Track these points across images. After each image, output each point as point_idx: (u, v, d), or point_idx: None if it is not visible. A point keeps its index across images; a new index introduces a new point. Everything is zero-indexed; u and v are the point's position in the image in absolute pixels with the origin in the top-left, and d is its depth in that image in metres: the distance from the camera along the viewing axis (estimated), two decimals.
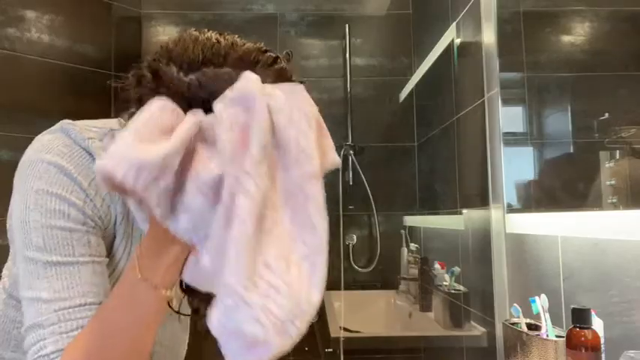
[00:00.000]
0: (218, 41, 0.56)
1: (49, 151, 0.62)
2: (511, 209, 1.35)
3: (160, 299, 0.57)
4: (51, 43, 2.05)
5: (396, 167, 2.49)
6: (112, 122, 0.67)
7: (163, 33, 2.51)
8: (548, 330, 1.00)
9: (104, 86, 2.21)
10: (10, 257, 0.70)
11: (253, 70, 0.53)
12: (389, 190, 2.47)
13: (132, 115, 0.52)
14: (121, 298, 0.57)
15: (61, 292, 0.59)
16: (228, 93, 0.50)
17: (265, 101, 0.49)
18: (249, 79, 0.50)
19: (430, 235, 2.21)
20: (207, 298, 0.50)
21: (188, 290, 0.59)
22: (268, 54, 0.57)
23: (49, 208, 0.59)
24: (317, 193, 0.50)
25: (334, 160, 0.54)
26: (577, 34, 1.15)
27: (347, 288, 2.34)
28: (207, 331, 0.48)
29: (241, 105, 0.49)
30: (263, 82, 0.51)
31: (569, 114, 1.21)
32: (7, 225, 0.67)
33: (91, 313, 0.59)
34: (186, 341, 0.84)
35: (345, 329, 1.76)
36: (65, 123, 0.65)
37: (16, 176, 0.63)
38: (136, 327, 0.57)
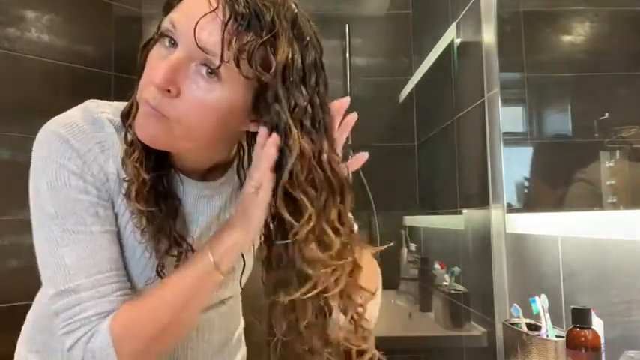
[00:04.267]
0: None
1: (53, 121, 0.64)
2: (511, 209, 1.35)
3: (214, 277, 0.62)
4: (51, 43, 2.05)
5: (396, 167, 2.49)
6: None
7: None
8: (548, 330, 1.00)
9: (104, 86, 2.21)
10: None
11: None
12: (389, 190, 2.46)
13: None
14: (186, 268, 0.63)
15: (86, 260, 0.61)
16: None
17: None
18: None
19: (430, 235, 2.21)
20: None
21: None
22: None
23: (53, 177, 0.61)
24: None
25: None
26: (577, 34, 1.15)
27: None
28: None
29: None
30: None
31: (569, 114, 1.21)
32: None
33: (119, 278, 0.64)
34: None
35: None
36: (89, 100, 0.68)
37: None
38: (190, 294, 0.63)
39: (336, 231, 0.59)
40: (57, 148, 0.62)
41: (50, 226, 0.61)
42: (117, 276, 0.64)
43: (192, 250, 0.67)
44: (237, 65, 0.54)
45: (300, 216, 0.58)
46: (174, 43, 0.57)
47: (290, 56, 0.56)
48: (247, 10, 0.54)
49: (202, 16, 0.54)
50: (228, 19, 0.54)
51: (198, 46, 0.54)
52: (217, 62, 0.54)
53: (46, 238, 0.62)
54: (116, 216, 0.66)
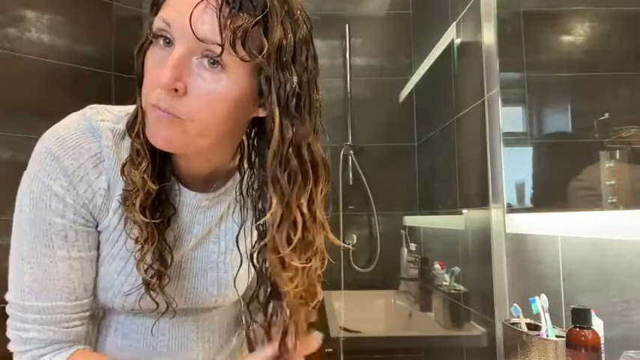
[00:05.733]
0: None
1: (51, 133, 0.64)
2: (511, 209, 1.35)
3: None
4: (51, 43, 2.05)
5: (396, 167, 2.49)
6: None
7: None
8: (548, 330, 1.00)
9: (104, 86, 2.21)
10: None
11: None
12: (389, 190, 2.46)
13: None
14: None
15: (41, 283, 0.63)
16: None
17: None
18: None
19: (430, 235, 2.21)
20: None
21: None
22: None
23: (36, 196, 0.62)
24: None
25: None
26: (577, 34, 1.15)
27: (347, 288, 2.34)
28: None
29: None
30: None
31: (569, 114, 1.21)
32: None
33: (68, 310, 0.65)
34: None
35: (345, 329, 1.76)
36: (89, 106, 0.67)
37: None
38: None
39: (303, 225, 0.60)
40: (46, 165, 0.62)
41: (22, 240, 0.63)
42: (66, 307, 0.65)
43: (168, 268, 0.67)
44: (234, 48, 0.53)
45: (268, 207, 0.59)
46: (169, 42, 0.56)
47: (282, 37, 0.56)
48: None
49: (195, 6, 0.53)
50: (221, 4, 0.53)
51: (197, 38, 0.53)
52: (218, 50, 0.54)
53: (16, 250, 0.64)
54: (100, 233, 0.66)
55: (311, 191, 0.60)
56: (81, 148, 0.62)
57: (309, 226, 0.61)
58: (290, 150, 0.58)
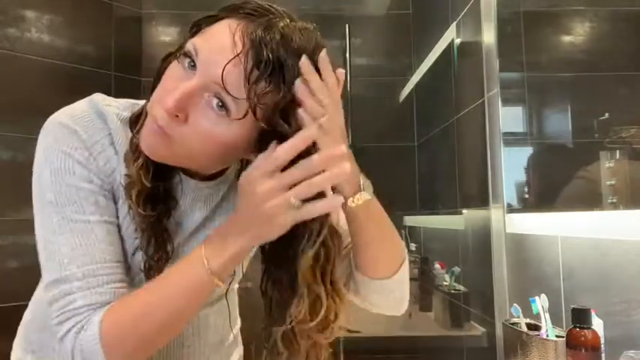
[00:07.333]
0: None
1: (61, 113, 0.64)
2: (511, 209, 1.35)
3: (211, 286, 0.60)
4: (51, 43, 2.05)
5: (396, 167, 2.49)
6: (140, 101, 0.69)
7: (164, 33, 2.51)
8: (548, 330, 1.00)
9: (104, 86, 2.21)
10: None
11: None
12: (389, 190, 2.45)
13: None
14: (178, 273, 0.61)
15: (80, 249, 0.60)
16: None
17: None
18: None
19: (430, 235, 2.21)
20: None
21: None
22: None
23: (57, 165, 0.61)
24: None
25: None
26: (577, 34, 1.15)
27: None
28: None
29: None
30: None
31: (569, 114, 1.21)
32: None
33: (113, 270, 0.62)
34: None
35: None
36: (95, 93, 0.68)
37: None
38: (181, 302, 0.60)
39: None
40: (64, 137, 0.62)
41: (50, 213, 0.61)
42: (111, 267, 0.62)
43: (169, 259, 0.67)
44: (254, 113, 0.55)
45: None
46: (194, 66, 0.57)
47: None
48: (270, 57, 0.54)
49: (227, 62, 0.54)
50: (252, 68, 0.54)
51: (224, 89, 0.55)
52: (229, 100, 0.55)
53: (44, 225, 0.61)
54: (117, 209, 0.66)
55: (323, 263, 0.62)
56: (95, 127, 0.63)
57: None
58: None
